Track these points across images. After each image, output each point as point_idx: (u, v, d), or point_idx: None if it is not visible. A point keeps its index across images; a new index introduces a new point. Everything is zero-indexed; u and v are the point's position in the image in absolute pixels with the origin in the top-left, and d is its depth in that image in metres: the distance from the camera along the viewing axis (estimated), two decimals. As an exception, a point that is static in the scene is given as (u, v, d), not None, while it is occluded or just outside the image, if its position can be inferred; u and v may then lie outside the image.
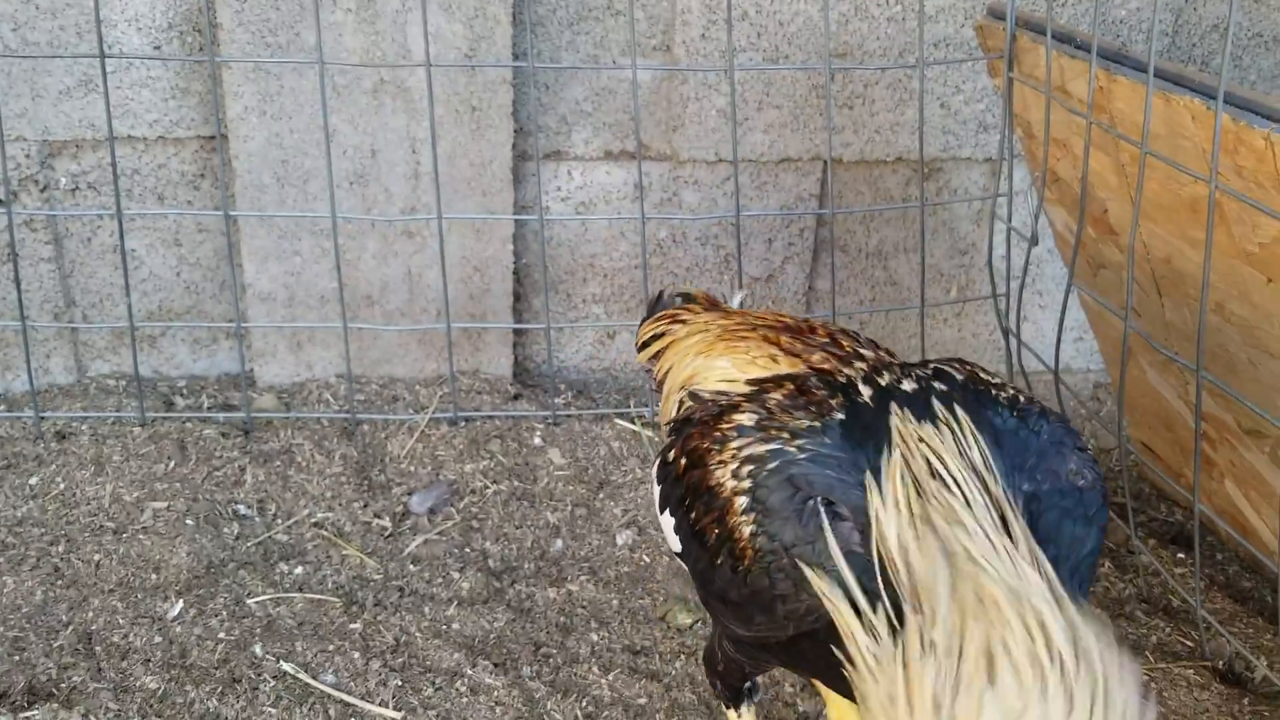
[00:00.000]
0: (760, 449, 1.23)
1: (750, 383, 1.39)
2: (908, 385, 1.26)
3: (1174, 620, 2.03)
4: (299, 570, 2.04)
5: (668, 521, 1.40)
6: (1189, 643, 1.97)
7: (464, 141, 2.35)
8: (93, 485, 2.20)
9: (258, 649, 1.85)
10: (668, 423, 1.53)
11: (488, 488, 2.25)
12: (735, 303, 1.84)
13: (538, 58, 2.39)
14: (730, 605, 1.27)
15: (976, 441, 1.16)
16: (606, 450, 2.36)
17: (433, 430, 2.37)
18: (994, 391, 1.27)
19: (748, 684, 1.49)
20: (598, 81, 2.45)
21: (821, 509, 1.14)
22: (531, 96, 2.39)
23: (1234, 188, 1.56)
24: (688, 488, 1.33)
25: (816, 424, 1.22)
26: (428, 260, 2.41)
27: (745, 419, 1.28)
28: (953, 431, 1.17)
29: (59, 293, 2.44)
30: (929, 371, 1.30)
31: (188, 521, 2.12)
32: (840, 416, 1.23)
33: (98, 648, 1.85)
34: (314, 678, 1.79)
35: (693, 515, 1.31)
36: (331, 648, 1.85)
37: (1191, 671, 1.89)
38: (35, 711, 1.70)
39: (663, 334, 1.71)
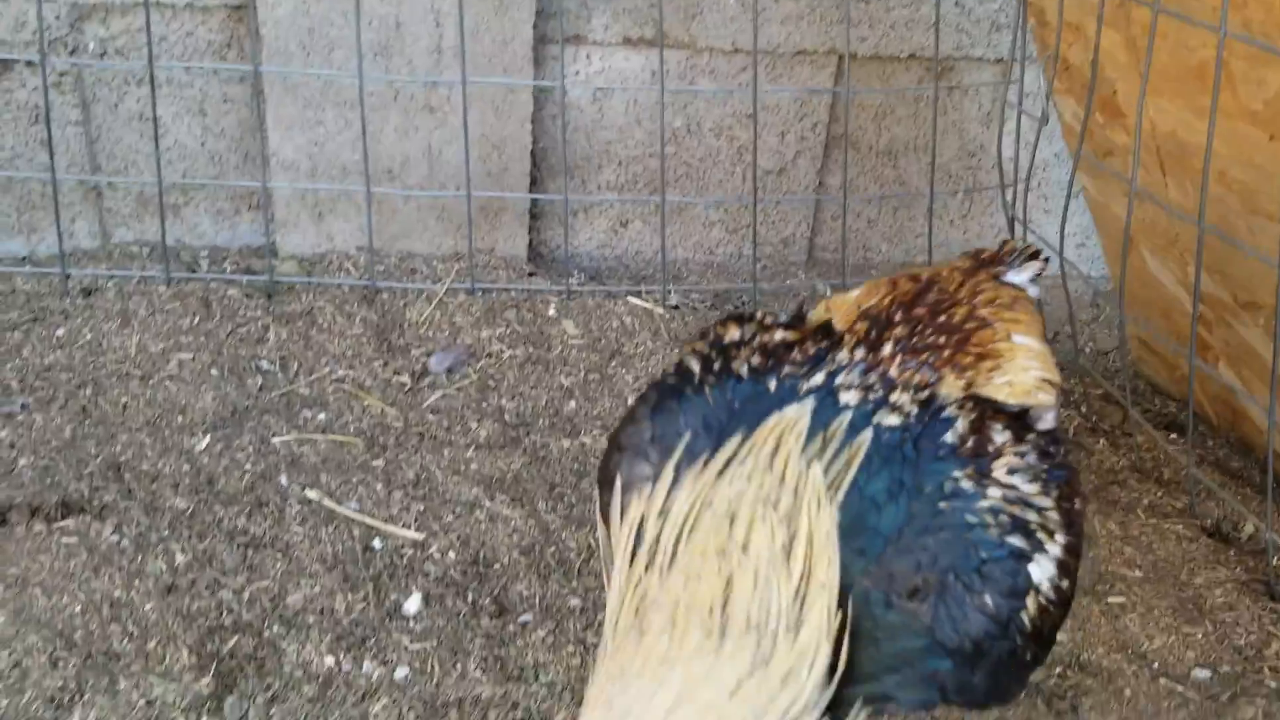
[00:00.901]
0: (691, 362, 1.19)
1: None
2: (886, 417, 1.09)
3: (1165, 487, 2.11)
4: (321, 416, 2.10)
5: None
6: (1179, 504, 2.05)
7: (487, 17, 2.39)
8: (119, 337, 2.26)
9: (283, 479, 1.92)
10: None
11: (504, 352, 2.31)
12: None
13: (562, -62, 2.43)
14: None
15: (820, 507, 0.99)
16: (619, 324, 2.42)
17: (450, 300, 2.43)
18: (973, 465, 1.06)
19: None
20: (620, -35, 2.49)
21: (645, 443, 1.10)
22: (555, -22, 2.44)
23: (1240, 48, 1.62)
24: None
25: (745, 376, 1.13)
26: (448, 136, 2.46)
27: (733, 332, 1.21)
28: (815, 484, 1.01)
29: (85, 157, 2.48)
30: (935, 404, 1.11)
31: (212, 372, 2.18)
32: (768, 384, 1.11)
33: (127, 474, 1.91)
34: (338, 504, 1.86)
35: None
36: (355, 480, 1.92)
37: (1181, 527, 1.97)
38: (69, 522, 1.77)
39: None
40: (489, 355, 2.31)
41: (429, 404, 2.16)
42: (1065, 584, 1.08)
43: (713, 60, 2.59)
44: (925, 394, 1.12)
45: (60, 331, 2.27)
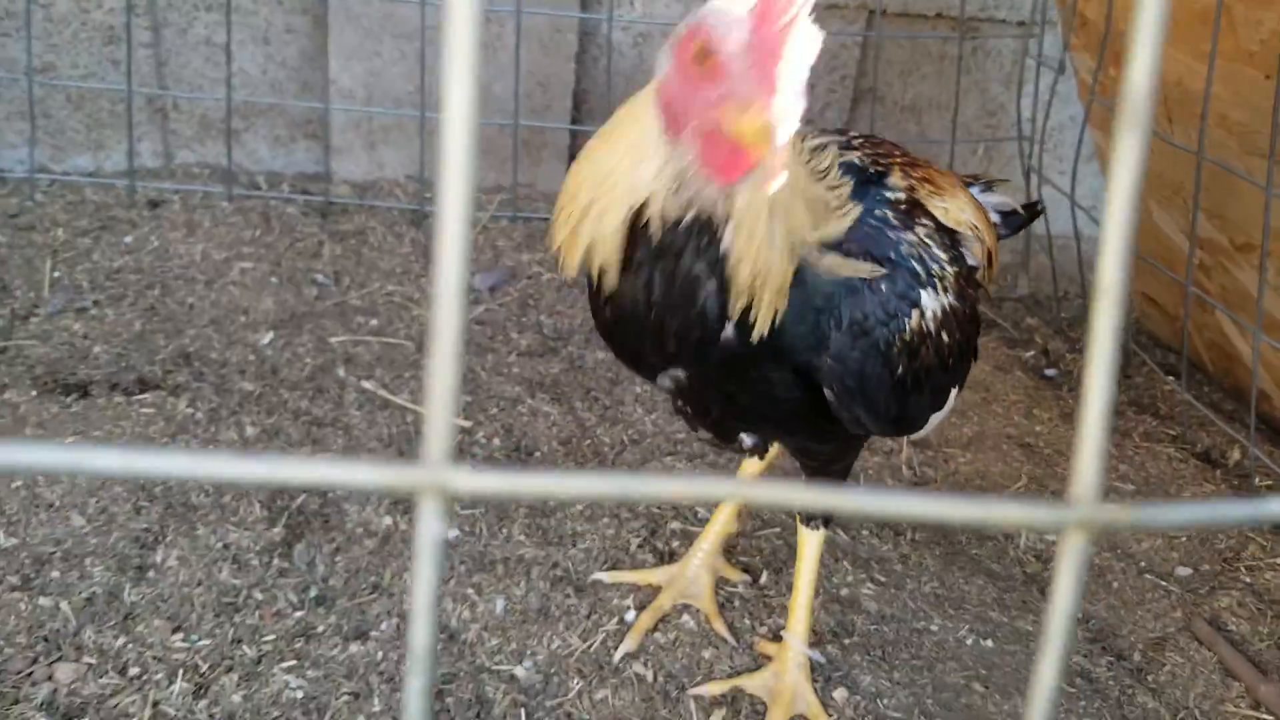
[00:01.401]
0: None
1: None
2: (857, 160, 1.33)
3: (1161, 419, 2.25)
4: (374, 322, 2.25)
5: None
6: (1172, 433, 2.19)
7: (540, -41, 2.54)
8: (184, 245, 2.41)
9: (341, 371, 2.07)
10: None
11: (543, 275, 2.45)
12: None
13: (612, -112, 2.57)
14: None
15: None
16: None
17: (493, 226, 2.58)
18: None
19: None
20: (665, -84, 2.63)
21: None
22: (603, -75, 2.58)
23: (1246, -13, 1.76)
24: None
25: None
26: (496, 72, 2.61)
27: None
28: None
29: (154, 77, 2.63)
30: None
31: (272, 280, 2.33)
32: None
33: (196, 362, 2.06)
34: (392, 394, 2.01)
35: None
36: (406, 374, 2.07)
37: (1173, 450, 2.11)
38: (146, 395, 1.92)
39: None
40: (529, 277, 2.45)
41: (474, 316, 2.31)
42: (945, 333, 1.27)
43: (748, 11, 2.73)
44: (882, 168, 1.34)
45: (129, 239, 2.42)
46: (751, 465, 1.63)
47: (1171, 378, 2.45)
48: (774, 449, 1.58)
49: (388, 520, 1.71)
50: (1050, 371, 2.43)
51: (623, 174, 1.10)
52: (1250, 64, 1.84)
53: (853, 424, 1.24)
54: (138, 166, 2.69)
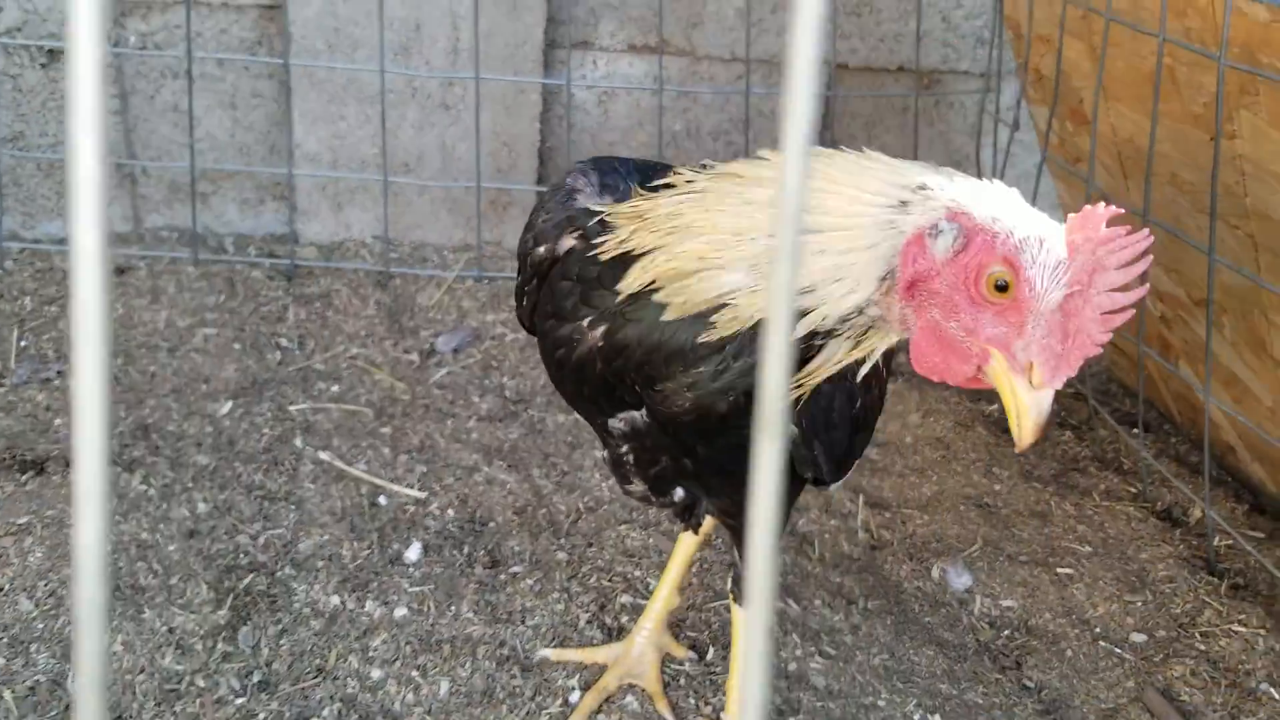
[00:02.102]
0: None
1: None
2: None
3: (1123, 475, 2.24)
4: (335, 388, 2.26)
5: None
6: (1133, 490, 2.18)
7: (500, 21, 2.56)
8: (149, 312, 2.42)
9: (298, 441, 2.07)
10: None
11: (506, 335, 2.46)
12: None
13: (572, -49, 2.60)
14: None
15: None
16: (616, 312, 2.57)
17: (458, 286, 2.59)
18: None
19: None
20: (626, -23, 2.66)
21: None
22: (565, -13, 2.60)
23: (1182, 55, 1.76)
24: None
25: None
26: (461, 133, 2.63)
27: None
28: None
29: (123, 145, 2.66)
30: None
31: (235, 346, 2.34)
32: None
33: (154, 434, 2.07)
34: (348, 465, 2.02)
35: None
36: (364, 444, 2.08)
37: (1133, 509, 2.10)
38: (102, 472, 1.92)
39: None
40: (493, 338, 2.46)
41: (435, 380, 2.31)
42: (885, 369, 1.30)
43: (711, 67, 2.75)
44: None
45: (95, 306, 2.43)
46: (689, 540, 1.62)
47: (1136, 429, 2.45)
48: (708, 522, 1.57)
49: (335, 600, 1.71)
50: (1016, 425, 2.42)
51: (820, 286, 1.02)
52: (1195, 125, 1.84)
53: (806, 465, 1.23)
54: (108, 231, 2.70)
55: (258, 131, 2.69)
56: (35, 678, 1.52)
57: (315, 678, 1.59)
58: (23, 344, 2.32)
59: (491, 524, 1.93)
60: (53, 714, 1.48)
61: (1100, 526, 2.05)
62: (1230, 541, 2.01)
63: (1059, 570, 1.93)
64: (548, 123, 2.73)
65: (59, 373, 2.24)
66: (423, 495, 1.96)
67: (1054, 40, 2.23)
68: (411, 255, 2.69)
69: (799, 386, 1.10)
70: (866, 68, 2.78)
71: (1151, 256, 0.94)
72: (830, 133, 2.85)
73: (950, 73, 2.83)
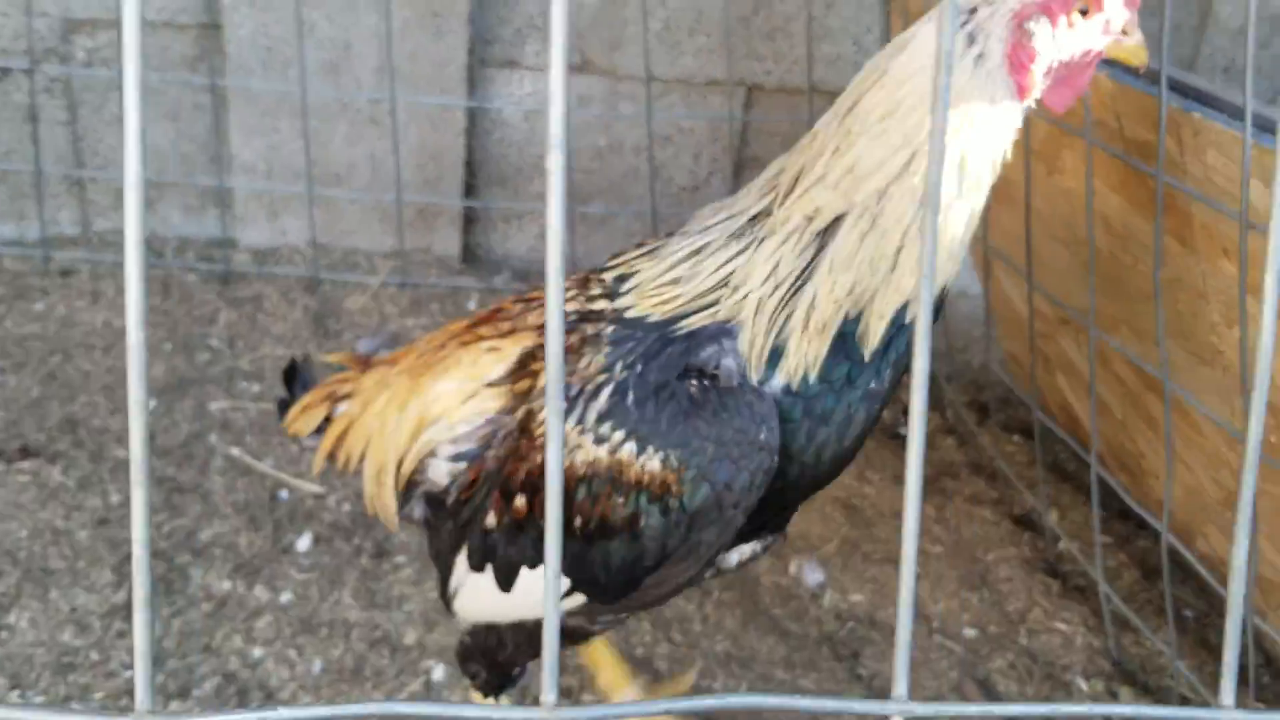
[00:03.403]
0: (598, 405, 1.17)
1: (502, 382, 1.29)
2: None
3: (991, 481, 2.39)
4: (256, 388, 2.42)
5: (533, 577, 1.26)
6: (995, 495, 2.32)
7: (425, 43, 2.71)
8: (88, 313, 2.58)
9: (213, 438, 2.23)
10: (402, 494, 1.39)
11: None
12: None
13: (496, -25, 2.75)
14: (647, 568, 1.21)
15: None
16: (532, 318, 2.73)
17: (383, 292, 2.75)
18: None
19: (519, 669, 1.45)
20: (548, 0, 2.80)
21: (694, 380, 1.15)
22: (492, 11, 2.75)
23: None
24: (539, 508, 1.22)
25: (606, 349, 1.19)
26: (390, 147, 2.78)
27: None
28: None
29: (71, 154, 2.82)
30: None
31: (166, 346, 2.50)
32: (614, 327, 1.21)
33: (80, 429, 2.23)
34: (256, 460, 2.17)
35: (578, 524, 1.20)
36: (274, 441, 2.23)
37: (989, 513, 2.25)
38: (26, 463, 2.09)
39: (330, 417, 1.52)
40: (410, 341, 2.61)
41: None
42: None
43: (633, 86, 2.89)
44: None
45: (39, 306, 2.60)
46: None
47: (1018, 436, 2.59)
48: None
49: (227, 585, 1.87)
50: (903, 430, 2.56)
51: None
52: (1037, 160, 1.98)
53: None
54: (56, 235, 2.87)
55: (199, 142, 2.84)
56: (-58, 650, 1.69)
57: (201, 654, 1.75)
58: (-31, 341, 2.48)
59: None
60: (-44, 683, 1.64)
61: (955, 529, 2.20)
62: (1078, 543, 2.15)
63: (908, 569, 2.07)
64: (476, 136, 2.88)
65: (1, 369, 2.40)
66: (322, 490, 2.11)
67: (933, 71, 2.38)
68: (342, 261, 2.85)
69: None
70: (781, 88, 2.92)
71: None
72: (750, 148, 3.00)
73: (861, 94, 2.97)
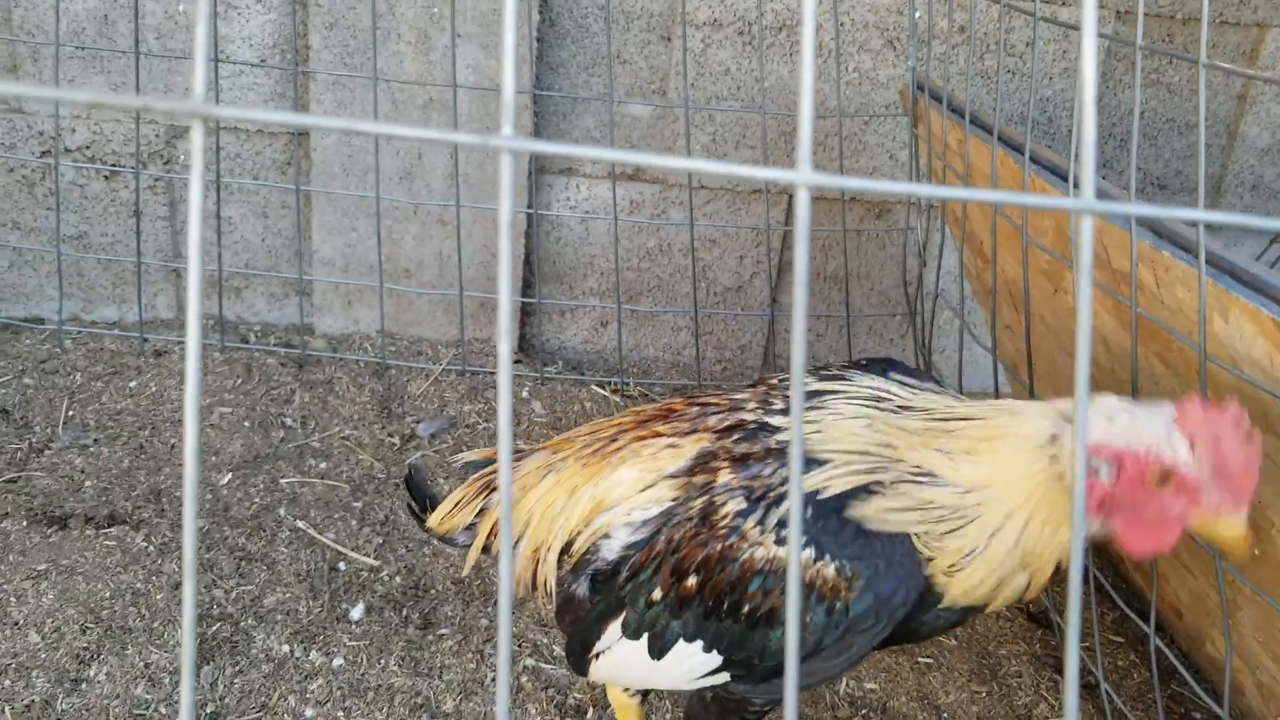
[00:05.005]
0: (779, 512, 1.33)
1: (680, 475, 1.42)
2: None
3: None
4: (323, 465, 2.62)
5: (688, 651, 1.39)
6: (1012, 592, 2.42)
7: (490, 153, 2.94)
8: (177, 391, 2.83)
9: (282, 511, 2.43)
10: (571, 572, 1.50)
11: (479, 424, 2.81)
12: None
13: (557, 91, 2.99)
14: (819, 655, 1.35)
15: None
16: (580, 408, 2.91)
17: (444, 379, 2.95)
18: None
19: None
20: (605, 115, 3.03)
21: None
22: (551, 123, 2.98)
23: (1020, 224, 2.06)
24: (717, 595, 1.35)
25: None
26: (455, 246, 3.01)
27: (734, 504, 1.35)
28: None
29: (170, 245, 3.10)
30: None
31: (245, 424, 2.73)
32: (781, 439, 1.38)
33: (164, 499, 2.45)
34: (319, 533, 2.37)
35: (746, 610, 1.34)
36: (337, 516, 2.43)
37: (1005, 609, 2.34)
38: (112, 530, 2.30)
39: (485, 509, 1.64)
40: (467, 426, 2.81)
41: (410, 461, 2.66)
42: None
43: (681, 194, 3.10)
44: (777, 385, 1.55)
45: (133, 384, 2.85)
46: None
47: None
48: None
49: (286, 648, 2.05)
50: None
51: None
52: (1044, 277, 2.12)
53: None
54: (155, 318, 3.14)
55: (285, 237, 3.11)
56: (32, 697, 1.88)
57: (258, 712, 1.92)
58: (70, 414, 2.73)
59: (431, 591, 2.25)
60: (43, 727, 1.84)
61: (970, 624, 2.30)
62: (1088, 644, 2.24)
63: (920, 659, 2.18)
64: (535, 236, 3.10)
65: (95, 440, 2.64)
66: (376, 563, 2.29)
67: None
68: (409, 349, 3.07)
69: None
70: (821, 196, 3.10)
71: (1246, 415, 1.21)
72: (791, 251, 3.17)
73: (899, 202, 3.14)
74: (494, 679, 2.03)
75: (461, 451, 2.71)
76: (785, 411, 1.43)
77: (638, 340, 3.20)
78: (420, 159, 2.94)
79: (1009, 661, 2.20)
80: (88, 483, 2.48)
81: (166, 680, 1.95)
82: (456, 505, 1.66)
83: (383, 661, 2.05)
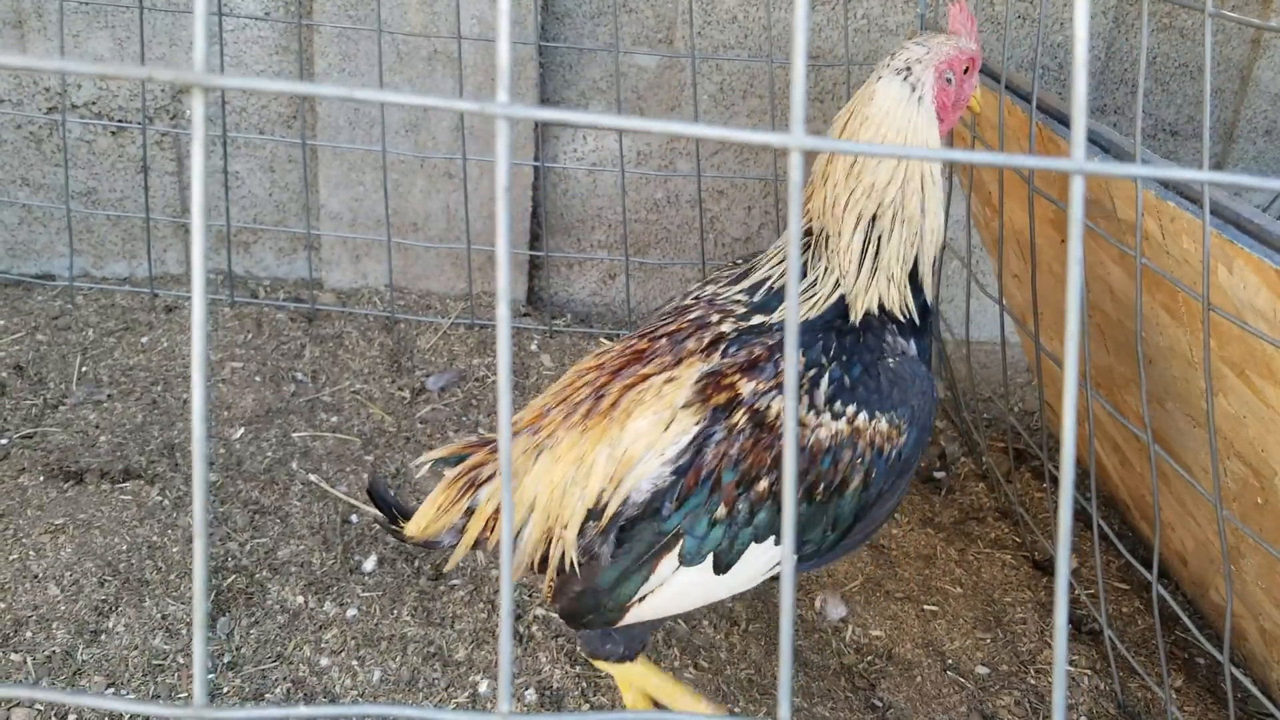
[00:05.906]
0: (822, 391, 1.46)
1: (692, 403, 1.49)
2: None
3: (1015, 526, 2.50)
4: (334, 419, 2.64)
5: (759, 551, 1.47)
6: (1018, 539, 2.44)
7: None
8: (188, 346, 2.84)
9: (294, 465, 2.46)
10: (595, 536, 1.52)
11: (488, 377, 2.83)
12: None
13: (563, 42, 2.96)
14: (878, 503, 1.51)
15: None
16: (589, 360, 2.92)
17: (453, 332, 2.97)
18: None
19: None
20: (611, 65, 3.01)
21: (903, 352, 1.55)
22: (558, 75, 2.96)
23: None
24: (768, 480, 1.45)
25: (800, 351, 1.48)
26: (462, 199, 3.00)
27: (779, 402, 1.46)
28: None
29: (178, 200, 3.10)
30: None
31: (256, 379, 2.75)
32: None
33: (177, 454, 2.48)
34: (331, 486, 2.39)
35: (821, 488, 1.45)
36: (349, 469, 2.45)
37: (1010, 557, 2.37)
38: (127, 484, 2.34)
39: (473, 508, 1.62)
40: (476, 379, 2.83)
41: (420, 415, 2.68)
42: None
43: (689, 145, 3.08)
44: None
45: (145, 339, 2.87)
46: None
47: (1049, 484, 2.69)
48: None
49: (300, 599, 2.08)
50: (939, 474, 2.69)
51: None
52: (1054, 229, 2.12)
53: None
54: (163, 273, 3.15)
55: (292, 191, 3.11)
56: (52, 649, 1.92)
57: (274, 662, 1.96)
58: (83, 370, 2.75)
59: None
60: (62, 678, 1.88)
61: (976, 571, 2.32)
62: (1092, 591, 2.26)
63: (926, 607, 2.21)
64: (543, 189, 3.10)
65: (109, 395, 2.66)
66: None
67: (966, 137, 2.52)
68: (418, 302, 3.08)
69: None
70: (830, 146, 3.08)
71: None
72: (801, 202, 3.15)
73: (908, 152, 3.11)
74: (505, 628, 2.06)
75: (472, 403, 2.73)
76: (757, 310, 1.56)
77: (646, 292, 3.21)
78: (426, 112, 2.93)
79: (1014, 609, 2.22)
80: (102, 438, 2.51)
81: (184, 631, 1.99)
82: (439, 509, 1.63)
83: (395, 612, 2.08)
